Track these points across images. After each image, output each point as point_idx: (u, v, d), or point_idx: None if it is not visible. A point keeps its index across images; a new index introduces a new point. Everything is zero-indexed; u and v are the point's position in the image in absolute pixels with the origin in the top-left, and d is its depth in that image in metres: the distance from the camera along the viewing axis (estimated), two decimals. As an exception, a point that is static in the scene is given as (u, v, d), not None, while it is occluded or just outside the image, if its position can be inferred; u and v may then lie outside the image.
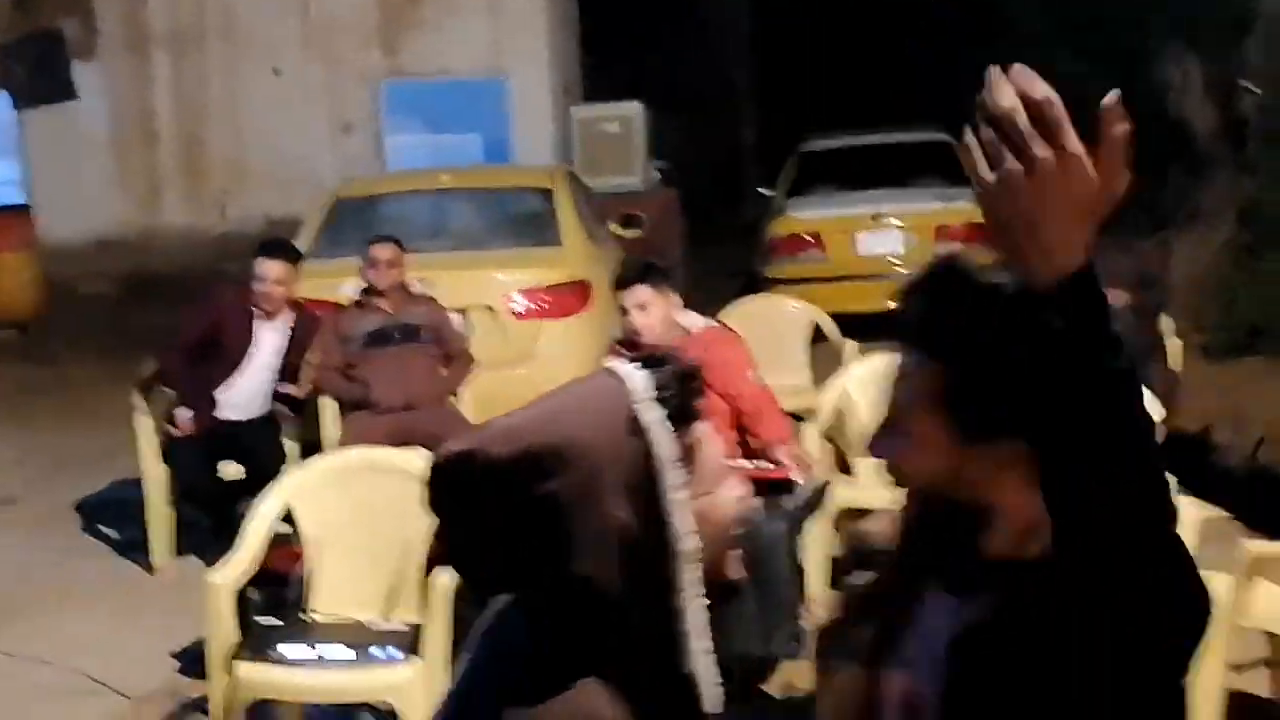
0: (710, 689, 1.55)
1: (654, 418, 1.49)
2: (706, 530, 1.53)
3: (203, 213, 15.10)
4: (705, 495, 1.54)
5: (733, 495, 1.60)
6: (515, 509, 1.46)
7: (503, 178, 9.72)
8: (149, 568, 6.56)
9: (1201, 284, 9.36)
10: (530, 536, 1.47)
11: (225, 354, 6.56)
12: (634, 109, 13.99)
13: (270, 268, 6.53)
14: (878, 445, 1.71)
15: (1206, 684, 4.05)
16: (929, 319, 1.62)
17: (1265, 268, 9.07)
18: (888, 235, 10.92)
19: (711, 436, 1.59)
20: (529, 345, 7.46)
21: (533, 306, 7.52)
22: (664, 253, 10.61)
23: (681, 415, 1.52)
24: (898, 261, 10.60)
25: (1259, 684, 4.57)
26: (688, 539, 1.49)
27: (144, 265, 14.66)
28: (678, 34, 18.83)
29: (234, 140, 15.13)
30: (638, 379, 1.53)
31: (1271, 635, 4.35)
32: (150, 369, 6.78)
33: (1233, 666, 4.35)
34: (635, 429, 1.49)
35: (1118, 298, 6.91)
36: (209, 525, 6.45)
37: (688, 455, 1.52)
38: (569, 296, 7.57)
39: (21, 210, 14.35)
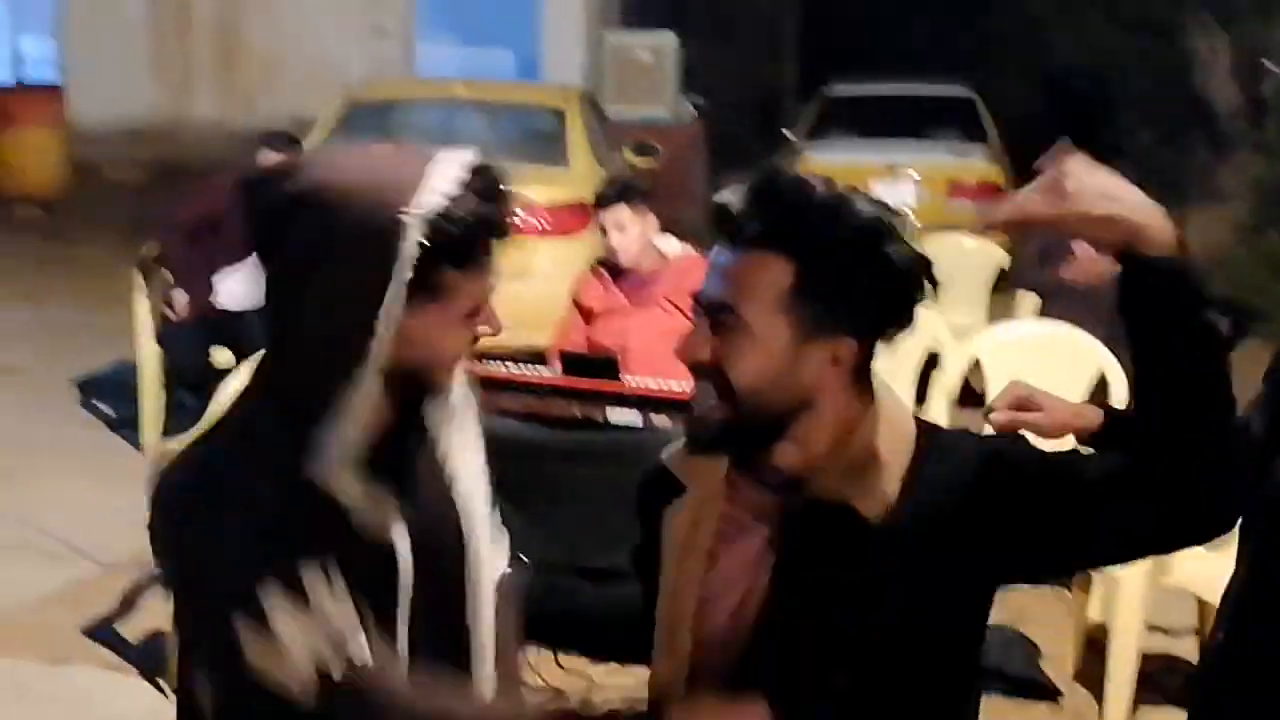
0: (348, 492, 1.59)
1: (413, 234, 1.53)
2: (420, 350, 1.60)
3: (233, 106, 15.21)
4: (437, 326, 1.60)
5: (464, 341, 1.64)
6: (278, 232, 1.59)
7: (518, 94, 9.80)
8: (138, 445, 6.73)
9: (1211, 262, 9.38)
10: (281, 264, 1.60)
11: (225, 243, 6.68)
12: (667, 39, 13.98)
13: (272, 160, 6.62)
14: (694, 346, 1.70)
15: (1122, 642, 4.17)
16: (782, 217, 1.65)
17: (1267, 246, 9.08)
18: (901, 186, 10.93)
19: (492, 286, 1.63)
20: (526, 260, 7.56)
21: (533, 223, 7.61)
22: (681, 185, 10.68)
23: (458, 252, 1.57)
24: (907, 214, 10.59)
25: (1186, 649, 4.67)
26: (378, 345, 1.55)
27: (171, 154, 14.78)
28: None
29: (269, 35, 15.22)
30: (441, 176, 1.56)
31: (1200, 599, 4.44)
32: (153, 251, 6.93)
33: (1157, 628, 4.47)
34: (395, 225, 1.54)
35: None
36: (198, 409, 6.63)
37: (438, 288, 1.57)
38: (570, 217, 7.65)
39: (53, 89, 14.48)
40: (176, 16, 15.34)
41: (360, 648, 1.58)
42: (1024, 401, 2.11)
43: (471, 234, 1.58)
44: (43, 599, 5.02)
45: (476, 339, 1.66)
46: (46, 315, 9.60)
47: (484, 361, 5.68)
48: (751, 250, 1.66)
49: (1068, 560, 1.82)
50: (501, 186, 1.61)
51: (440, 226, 1.55)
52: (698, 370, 1.70)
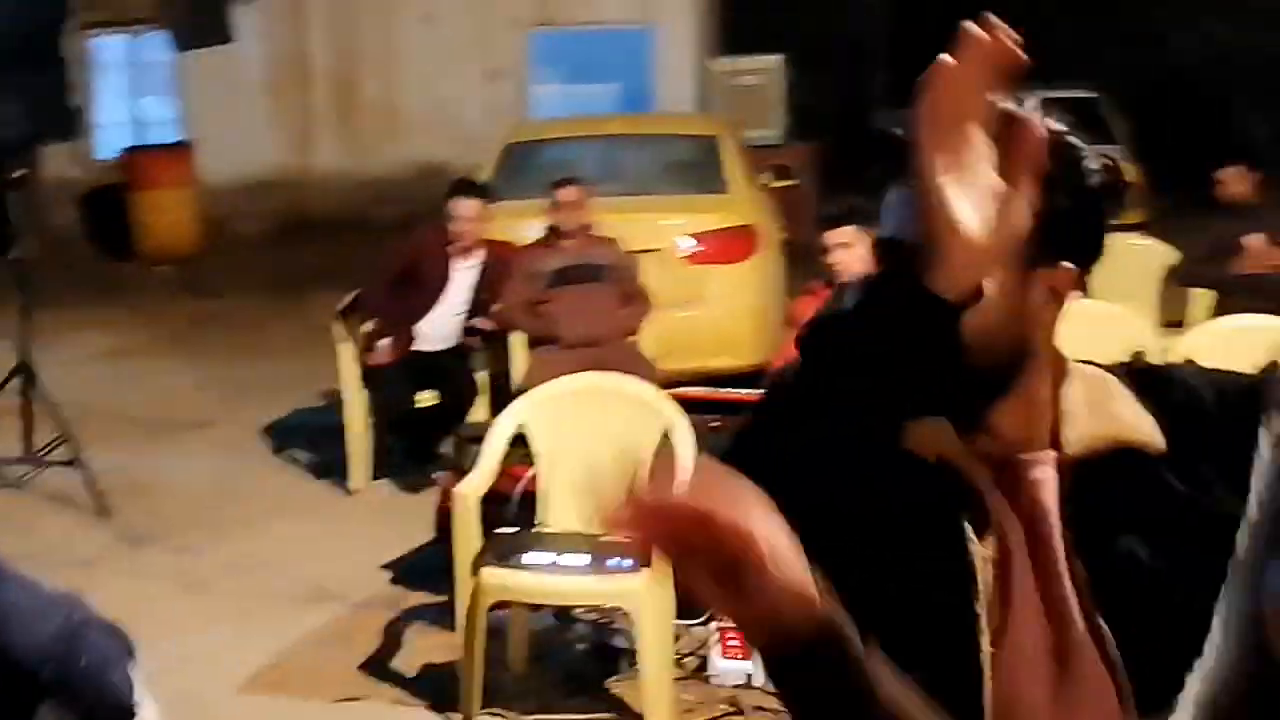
0: None
1: None
2: None
3: (354, 156, 15.56)
4: None
5: None
6: None
7: (670, 125, 10.04)
8: (345, 489, 6.98)
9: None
10: None
11: (423, 288, 6.97)
12: (774, 62, 14.24)
13: (465, 206, 6.93)
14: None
15: None
16: None
17: None
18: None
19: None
20: (698, 288, 7.77)
21: (702, 250, 7.81)
22: (797, 205, 10.82)
23: None
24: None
25: None
26: None
27: (297, 206, 15.18)
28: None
29: (386, 85, 15.58)
30: None
31: None
32: (347, 301, 7.22)
33: None
34: None
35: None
36: (405, 449, 6.94)
37: None
38: (738, 242, 7.85)
39: (181, 148, 14.81)
40: (293, 71, 15.71)
41: None
42: None
43: None
44: (309, 641, 5.25)
45: None
46: (210, 370, 9.85)
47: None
48: None
49: None
50: None
51: None
52: None
